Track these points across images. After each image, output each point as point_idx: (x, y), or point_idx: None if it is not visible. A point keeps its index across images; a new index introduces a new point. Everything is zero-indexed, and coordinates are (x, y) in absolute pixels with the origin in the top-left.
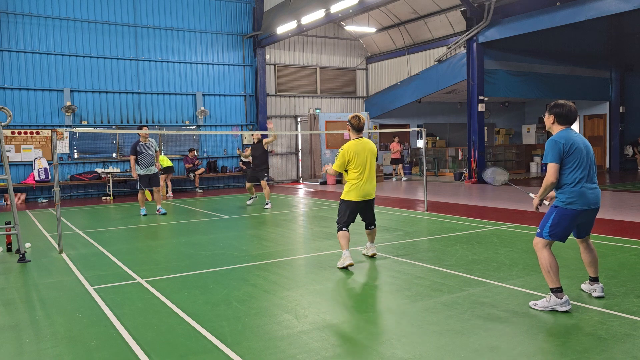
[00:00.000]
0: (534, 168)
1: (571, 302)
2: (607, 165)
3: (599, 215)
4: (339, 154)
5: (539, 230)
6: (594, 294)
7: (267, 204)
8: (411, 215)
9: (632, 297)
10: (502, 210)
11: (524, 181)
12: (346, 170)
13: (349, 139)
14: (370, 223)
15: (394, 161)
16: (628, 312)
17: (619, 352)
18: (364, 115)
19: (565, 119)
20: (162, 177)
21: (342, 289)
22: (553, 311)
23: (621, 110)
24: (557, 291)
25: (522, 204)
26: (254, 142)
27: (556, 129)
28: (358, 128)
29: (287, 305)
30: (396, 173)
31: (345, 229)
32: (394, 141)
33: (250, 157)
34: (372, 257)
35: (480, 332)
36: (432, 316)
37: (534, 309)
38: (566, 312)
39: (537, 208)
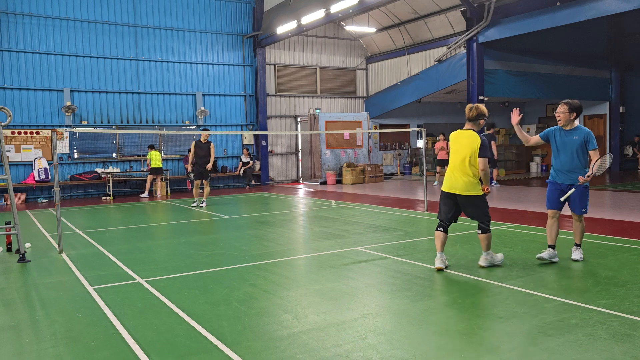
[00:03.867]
0: (534, 168)
1: (574, 302)
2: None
3: (599, 215)
4: None
5: (584, 210)
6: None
7: (202, 202)
8: (411, 215)
9: (632, 297)
10: (502, 210)
11: (524, 181)
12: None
13: (348, 139)
14: (477, 224)
15: (440, 162)
16: (628, 312)
17: (619, 352)
18: (365, 115)
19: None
20: (149, 177)
21: (342, 289)
22: (550, 307)
23: (621, 110)
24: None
25: (522, 204)
26: (201, 141)
27: (576, 123)
28: (468, 117)
29: (287, 305)
30: (441, 176)
31: (440, 228)
32: (438, 139)
33: (194, 155)
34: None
35: (480, 332)
36: (432, 316)
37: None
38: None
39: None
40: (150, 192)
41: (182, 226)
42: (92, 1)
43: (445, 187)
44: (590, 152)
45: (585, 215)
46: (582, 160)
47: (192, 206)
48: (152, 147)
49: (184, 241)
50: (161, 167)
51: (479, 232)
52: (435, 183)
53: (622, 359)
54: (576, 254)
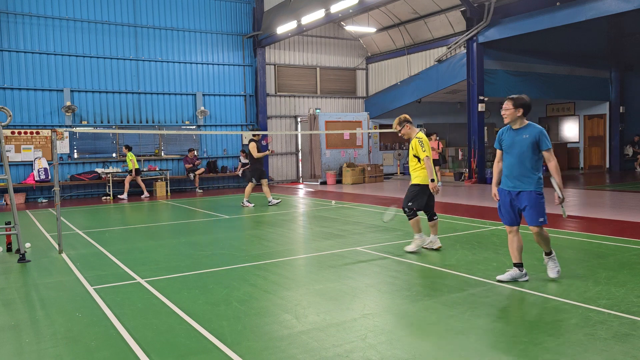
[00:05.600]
0: None
1: (574, 302)
2: (607, 165)
3: (599, 215)
4: (424, 142)
5: (541, 219)
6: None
7: (273, 200)
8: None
9: (632, 297)
10: None
11: None
12: (417, 158)
13: (348, 139)
14: (433, 213)
15: (434, 162)
16: (628, 312)
17: (619, 352)
18: (365, 115)
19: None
20: (138, 179)
21: (342, 289)
22: (550, 307)
23: (621, 110)
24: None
25: None
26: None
27: (526, 121)
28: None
29: (287, 305)
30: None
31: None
32: (431, 139)
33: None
34: (438, 249)
35: (480, 332)
36: (432, 316)
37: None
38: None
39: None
40: (150, 192)
41: (182, 226)
42: (92, 1)
43: (425, 181)
44: (544, 154)
45: (544, 224)
46: (534, 163)
47: (277, 203)
48: (129, 148)
49: (184, 241)
50: (139, 168)
51: (436, 217)
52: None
53: (622, 359)
54: (552, 271)
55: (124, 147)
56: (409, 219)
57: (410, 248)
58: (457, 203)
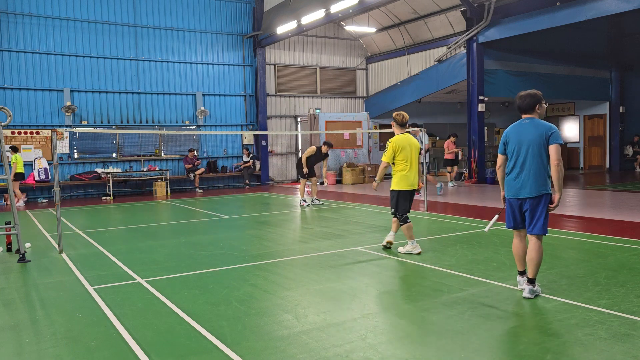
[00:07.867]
0: None
1: (574, 302)
2: (607, 165)
3: (599, 215)
4: (389, 146)
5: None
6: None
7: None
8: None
9: (632, 297)
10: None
11: None
12: (393, 163)
13: (348, 139)
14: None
15: (448, 162)
16: (628, 312)
17: (619, 352)
18: (365, 115)
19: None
20: (14, 184)
21: (342, 289)
22: (550, 307)
23: (621, 110)
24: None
25: None
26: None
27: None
28: (402, 123)
29: (287, 305)
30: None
31: (409, 220)
32: (449, 139)
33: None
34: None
35: (480, 332)
36: (432, 316)
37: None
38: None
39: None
40: (150, 192)
41: (182, 226)
42: (92, 1)
43: (408, 187)
44: None
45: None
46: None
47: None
48: (15, 149)
49: (184, 241)
50: (23, 173)
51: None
52: (451, 184)
53: (622, 359)
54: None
55: (11, 150)
56: (400, 225)
57: (401, 249)
58: (457, 203)
